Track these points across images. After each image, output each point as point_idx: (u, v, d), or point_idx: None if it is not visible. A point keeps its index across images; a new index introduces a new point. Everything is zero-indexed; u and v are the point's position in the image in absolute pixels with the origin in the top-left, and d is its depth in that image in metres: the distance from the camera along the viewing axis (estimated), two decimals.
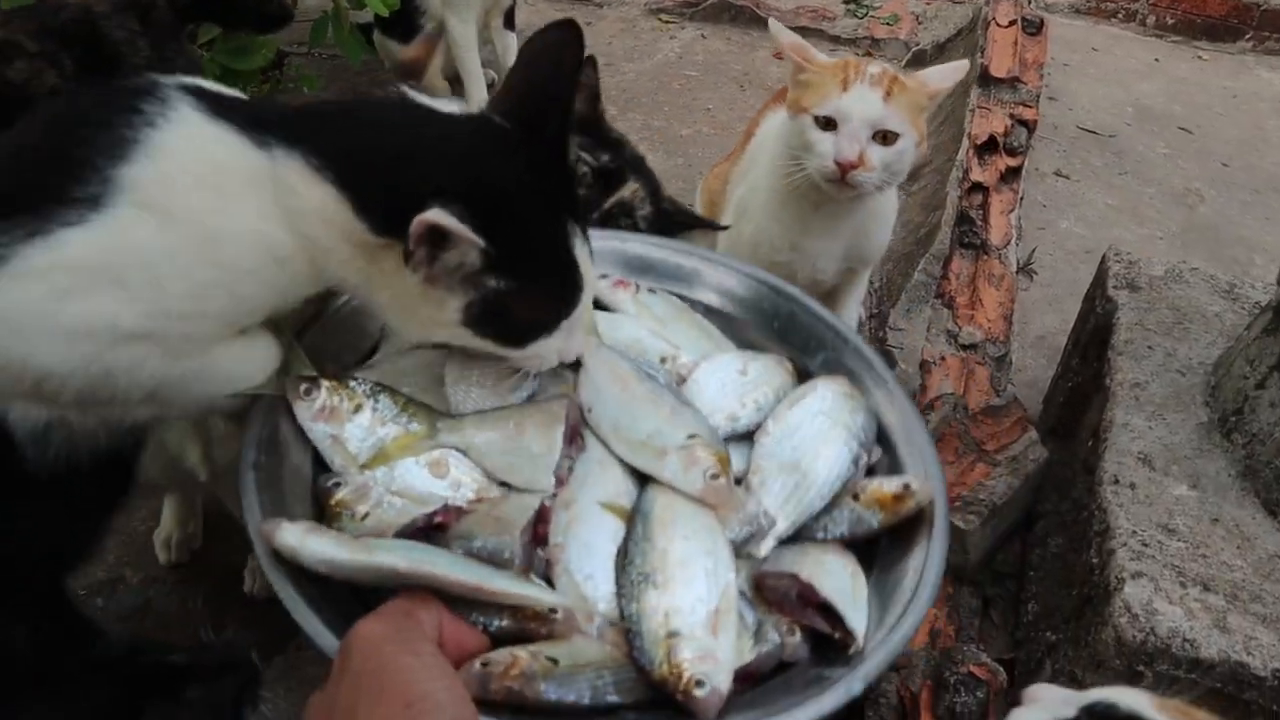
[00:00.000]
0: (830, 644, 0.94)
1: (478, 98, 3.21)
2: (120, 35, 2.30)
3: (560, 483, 0.99)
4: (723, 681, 0.85)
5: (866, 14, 4.32)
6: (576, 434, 1.03)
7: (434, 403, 1.06)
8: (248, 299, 0.95)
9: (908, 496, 1.01)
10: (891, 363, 2.21)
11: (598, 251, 1.24)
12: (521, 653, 0.84)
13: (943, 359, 2.28)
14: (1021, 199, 2.96)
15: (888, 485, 1.03)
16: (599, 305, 1.22)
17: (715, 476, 0.97)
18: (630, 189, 1.58)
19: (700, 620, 0.88)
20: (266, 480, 0.96)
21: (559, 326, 1.00)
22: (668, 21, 4.23)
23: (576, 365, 1.09)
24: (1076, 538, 1.64)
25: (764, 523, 0.98)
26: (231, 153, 0.92)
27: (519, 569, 0.91)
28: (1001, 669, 1.54)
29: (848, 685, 0.88)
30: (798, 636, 0.94)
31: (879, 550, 1.03)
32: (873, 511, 1.02)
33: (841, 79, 1.63)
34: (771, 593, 0.95)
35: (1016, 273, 2.69)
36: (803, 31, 3.80)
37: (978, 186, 2.91)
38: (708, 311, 1.26)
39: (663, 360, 1.13)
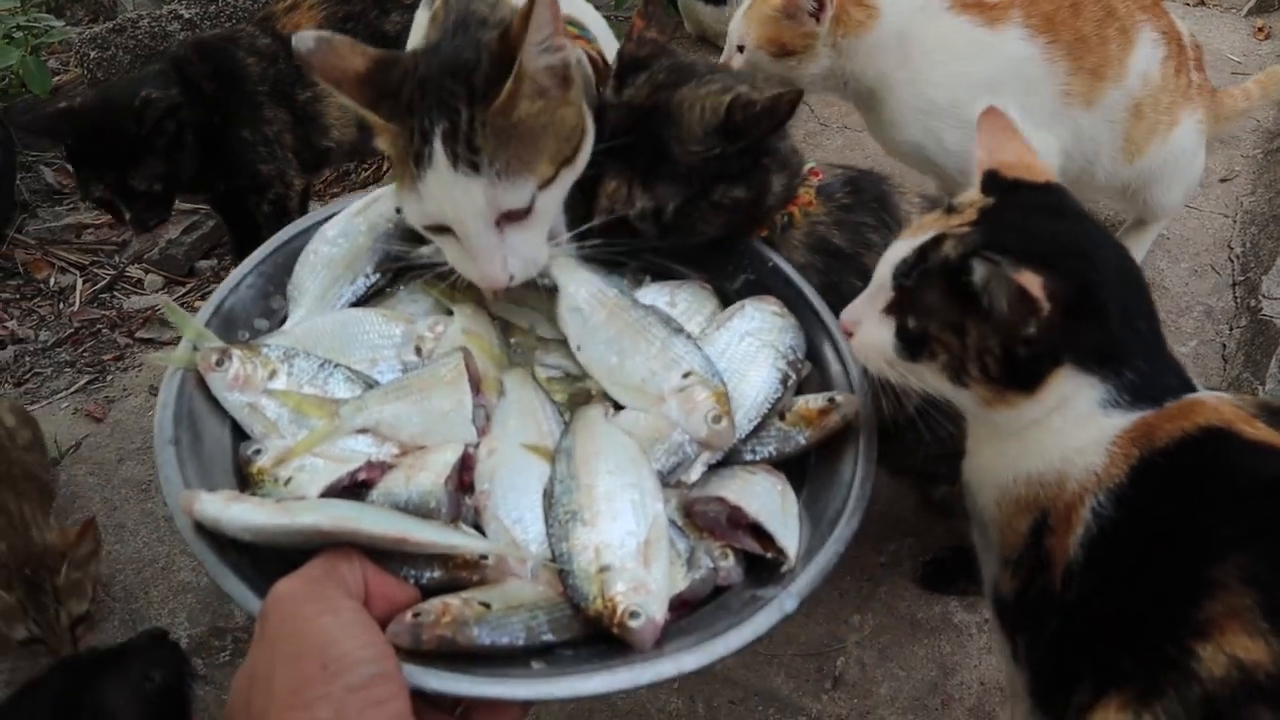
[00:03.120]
0: (764, 564, 0.94)
1: None
2: None
3: (481, 433, 0.99)
4: (657, 611, 0.85)
5: None
6: (478, 383, 1.01)
7: (351, 364, 1.04)
8: None
9: (833, 410, 1.02)
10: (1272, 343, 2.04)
11: None
12: (453, 600, 0.83)
13: None
14: None
15: (812, 402, 1.03)
16: None
17: (717, 419, 0.97)
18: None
19: (631, 552, 0.88)
20: (187, 455, 0.94)
21: None
22: None
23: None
24: None
25: (690, 451, 0.98)
26: None
27: (447, 518, 0.91)
28: None
29: (781, 603, 0.88)
30: (731, 560, 0.94)
31: (809, 468, 1.04)
32: (799, 429, 1.02)
33: None
34: (701, 518, 0.95)
35: None
36: None
37: None
38: None
39: None
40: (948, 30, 1.86)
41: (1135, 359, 0.92)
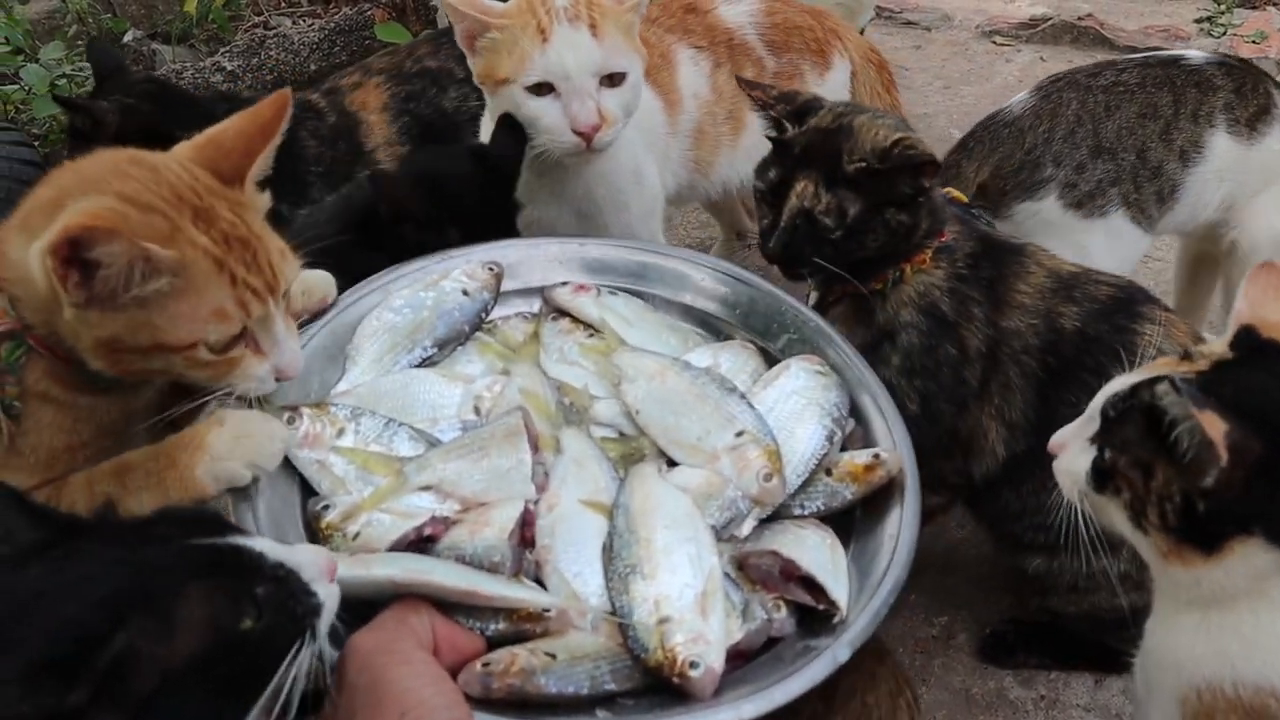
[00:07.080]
0: (815, 615, 0.97)
1: None
2: None
3: (539, 489, 1.02)
4: (716, 661, 0.88)
5: (1225, 32, 3.84)
6: (536, 441, 1.05)
7: (413, 423, 1.08)
8: None
9: (878, 466, 1.05)
10: None
11: (557, 256, 1.27)
12: (520, 650, 0.87)
13: None
14: None
15: (858, 458, 1.07)
16: (562, 312, 1.25)
17: (768, 477, 1.01)
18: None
19: (689, 604, 0.91)
20: (259, 510, 0.98)
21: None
22: (1002, 44, 3.97)
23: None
24: None
25: (742, 506, 1.02)
26: None
27: (510, 572, 0.94)
28: None
29: (834, 653, 0.92)
30: (784, 611, 0.97)
31: (855, 522, 1.07)
32: (846, 484, 1.05)
33: (536, 25, 1.40)
34: (755, 571, 0.99)
35: None
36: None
37: None
38: (667, 305, 1.29)
39: None
40: None
41: None
